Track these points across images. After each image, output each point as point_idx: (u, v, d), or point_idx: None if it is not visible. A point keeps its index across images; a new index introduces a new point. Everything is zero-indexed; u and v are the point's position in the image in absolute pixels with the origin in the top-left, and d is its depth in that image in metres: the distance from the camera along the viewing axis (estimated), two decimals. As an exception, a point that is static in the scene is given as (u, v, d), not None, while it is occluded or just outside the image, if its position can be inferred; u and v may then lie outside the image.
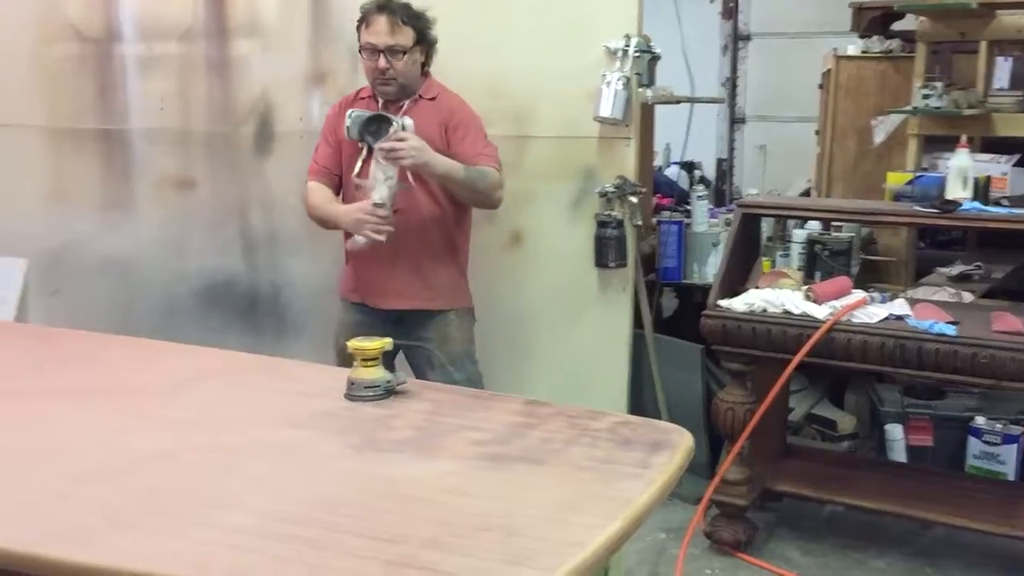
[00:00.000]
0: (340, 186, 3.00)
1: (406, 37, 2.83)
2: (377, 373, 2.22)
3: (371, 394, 2.19)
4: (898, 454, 3.54)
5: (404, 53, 2.82)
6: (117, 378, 2.34)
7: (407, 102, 2.90)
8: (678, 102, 3.89)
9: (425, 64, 2.96)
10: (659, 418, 3.49)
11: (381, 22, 2.80)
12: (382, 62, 2.81)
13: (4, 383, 2.28)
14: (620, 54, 3.15)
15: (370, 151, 2.76)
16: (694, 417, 3.44)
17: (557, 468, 1.80)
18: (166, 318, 3.82)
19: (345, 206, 2.89)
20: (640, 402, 3.47)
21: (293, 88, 3.54)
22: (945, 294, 3.40)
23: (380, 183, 2.72)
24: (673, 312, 4.08)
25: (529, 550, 1.47)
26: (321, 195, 2.97)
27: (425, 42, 2.90)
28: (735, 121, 6.69)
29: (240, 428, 2.02)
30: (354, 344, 2.22)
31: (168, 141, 3.75)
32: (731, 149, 6.69)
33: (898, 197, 3.41)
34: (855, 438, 3.82)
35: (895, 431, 3.54)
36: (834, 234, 3.65)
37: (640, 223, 3.26)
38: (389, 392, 2.21)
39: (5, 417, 2.05)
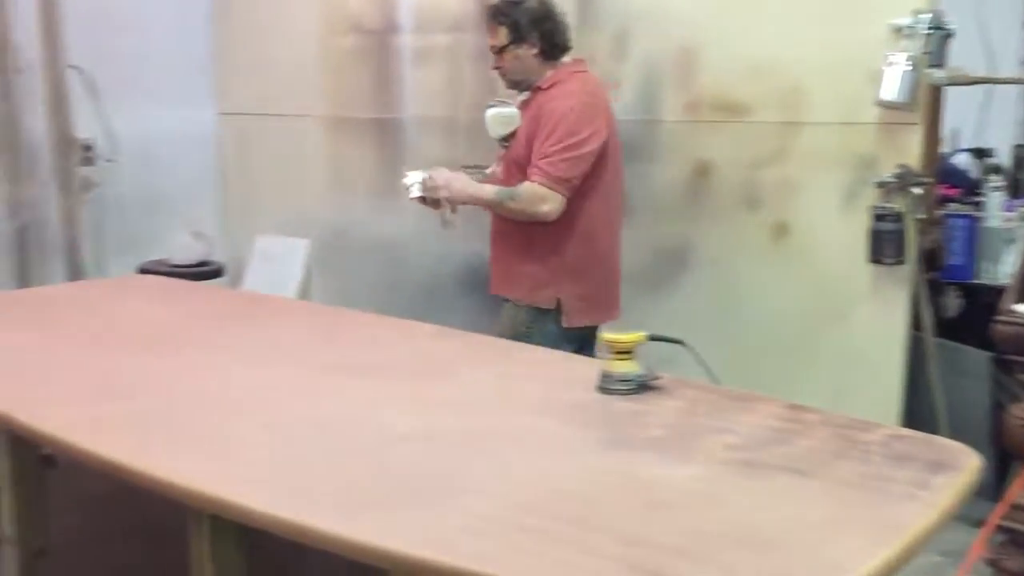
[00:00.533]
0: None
1: (499, 36, 2.89)
2: (631, 367, 2.16)
3: (624, 387, 2.13)
4: None
5: (502, 50, 2.90)
6: (387, 356, 2.44)
7: (527, 94, 2.97)
8: (974, 83, 3.51)
9: (547, 52, 2.90)
10: (935, 432, 3.19)
11: (486, 24, 2.97)
12: (494, 62, 2.96)
13: (288, 356, 2.43)
14: (908, 32, 2.88)
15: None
16: (978, 431, 3.11)
17: (820, 482, 1.66)
18: (426, 300, 3.96)
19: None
20: (915, 413, 3.18)
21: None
22: None
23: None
24: (957, 314, 3.71)
25: (786, 571, 1.35)
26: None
27: (525, 33, 2.86)
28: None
29: (492, 412, 2.02)
30: (608, 336, 2.17)
31: (437, 129, 3.88)
32: (1031, 135, 6.01)
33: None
34: None
35: None
36: None
37: (923, 216, 2.97)
38: (642, 387, 2.14)
39: (283, 390, 2.19)
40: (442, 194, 2.86)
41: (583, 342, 2.90)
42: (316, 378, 2.25)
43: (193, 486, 1.67)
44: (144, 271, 3.83)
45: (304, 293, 4.30)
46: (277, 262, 4.38)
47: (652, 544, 1.44)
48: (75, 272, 3.58)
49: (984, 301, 3.40)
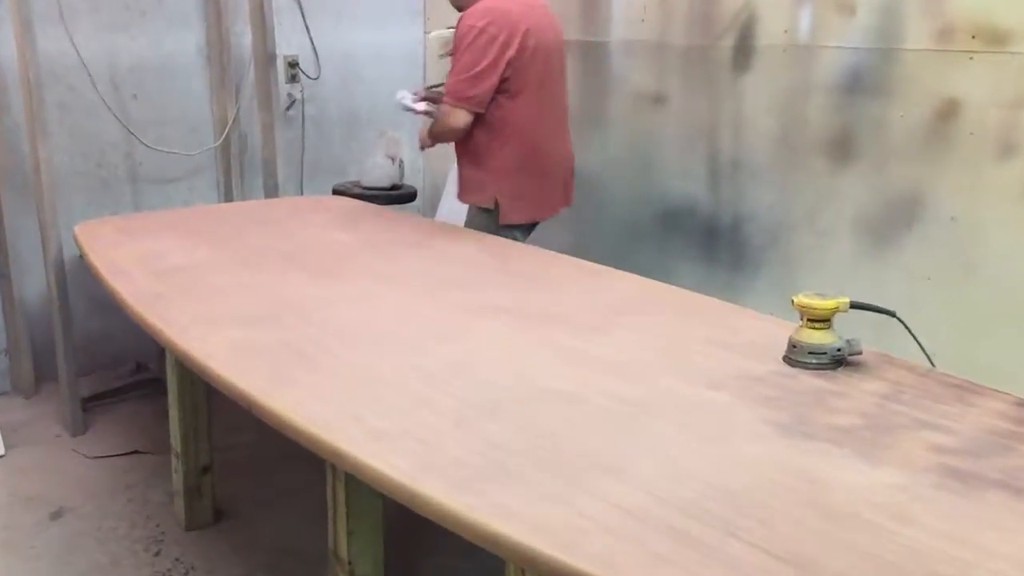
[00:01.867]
0: None
1: None
2: (826, 338, 1.85)
3: (815, 362, 1.84)
4: None
5: None
6: (550, 300, 2.24)
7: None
8: None
9: None
10: None
11: None
12: None
13: (451, 291, 2.29)
14: None
15: None
16: None
17: (1051, 510, 1.32)
18: (623, 238, 3.72)
19: None
20: None
21: (782, -4, 3.14)
22: None
23: None
24: None
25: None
26: None
27: None
28: None
29: (653, 378, 1.78)
30: (802, 300, 1.87)
31: (646, 55, 3.57)
32: None
33: None
34: None
35: None
36: None
37: None
38: (838, 362, 1.84)
39: (434, 328, 2.04)
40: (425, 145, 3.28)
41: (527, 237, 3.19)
42: (471, 318, 2.09)
43: (323, 437, 1.55)
44: (337, 192, 3.81)
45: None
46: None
47: (818, 568, 1.17)
48: (272, 190, 3.60)
49: None
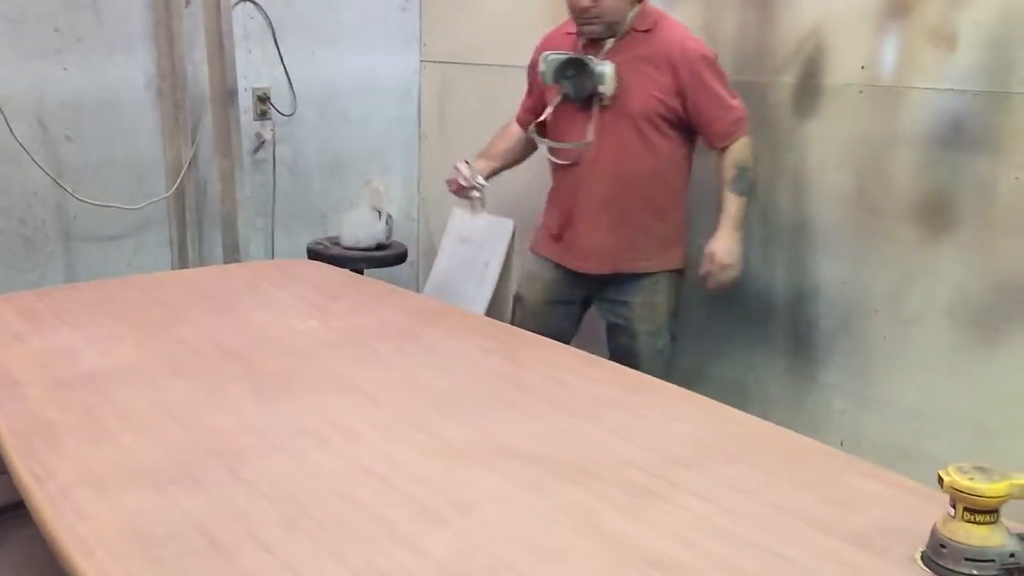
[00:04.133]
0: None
1: None
2: (994, 538, 1.23)
3: (975, 572, 1.22)
4: None
5: None
6: (585, 436, 1.62)
7: (611, 41, 2.51)
8: None
9: None
10: None
11: None
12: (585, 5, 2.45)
13: (445, 417, 1.67)
14: None
15: (566, 97, 2.54)
16: None
17: None
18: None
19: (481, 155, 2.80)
20: None
21: (857, 24, 2.53)
22: None
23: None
24: None
25: None
26: (499, 134, 2.86)
27: None
28: None
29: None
30: (959, 481, 1.24)
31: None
32: None
33: None
34: None
35: None
36: None
37: None
38: (1008, 573, 1.22)
39: (424, 490, 1.41)
40: (732, 274, 2.55)
41: None
42: (471, 473, 1.48)
43: None
44: (312, 254, 3.20)
45: (500, 288, 3.57)
46: (475, 245, 3.65)
47: None
48: (231, 250, 2.99)
49: None
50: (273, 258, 3.41)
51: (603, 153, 2.53)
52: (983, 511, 1.24)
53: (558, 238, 2.68)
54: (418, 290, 3.82)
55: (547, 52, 2.55)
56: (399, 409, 1.73)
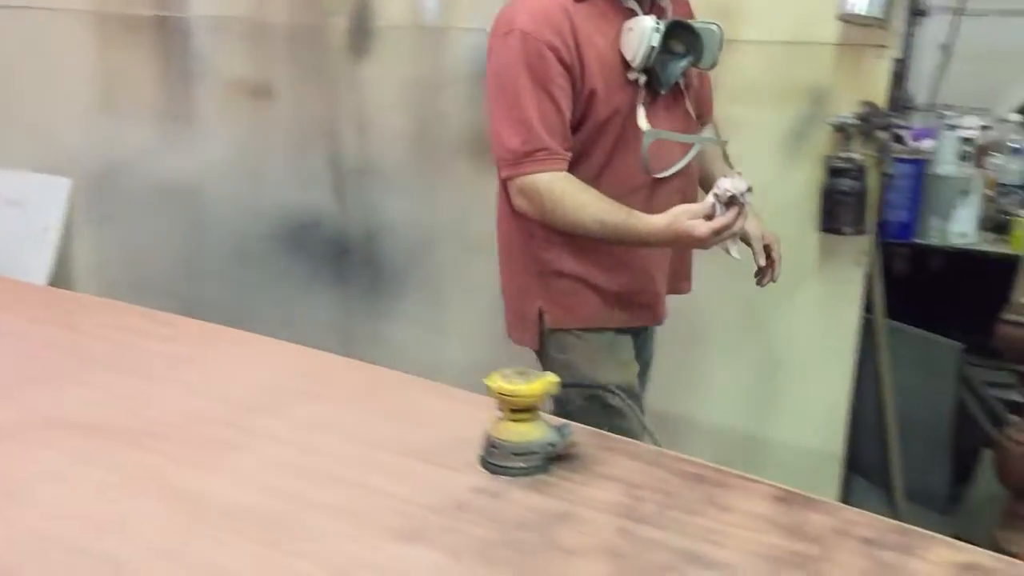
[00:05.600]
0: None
1: None
2: (533, 431, 1.38)
3: (523, 465, 1.36)
4: None
5: None
6: (152, 395, 1.55)
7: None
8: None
9: None
10: (883, 435, 2.60)
11: None
12: None
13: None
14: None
15: (650, 88, 1.81)
16: (935, 436, 2.54)
17: None
18: (237, 263, 3.02)
19: (664, 218, 1.70)
20: (856, 411, 2.55)
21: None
22: None
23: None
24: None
25: None
26: (584, 193, 1.79)
27: None
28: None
29: (311, 536, 1.19)
30: (501, 385, 1.37)
31: (238, 35, 2.88)
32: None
33: None
34: None
35: None
36: None
37: (890, 172, 2.30)
38: (550, 460, 1.37)
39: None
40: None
41: None
42: (18, 448, 1.35)
43: None
44: None
45: (65, 249, 3.27)
46: (27, 208, 3.31)
47: None
48: None
49: (931, 267, 2.82)
50: None
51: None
52: (523, 410, 1.37)
53: (635, 295, 1.95)
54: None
55: (631, 22, 1.77)
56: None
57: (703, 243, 1.65)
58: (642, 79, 1.78)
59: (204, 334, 1.91)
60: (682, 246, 1.82)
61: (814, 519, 1.24)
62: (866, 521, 1.27)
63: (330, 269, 2.90)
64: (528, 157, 1.79)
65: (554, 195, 1.78)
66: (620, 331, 1.95)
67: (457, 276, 2.72)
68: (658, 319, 2.00)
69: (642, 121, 1.78)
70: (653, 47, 1.73)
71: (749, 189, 1.59)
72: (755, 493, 1.31)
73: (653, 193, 1.85)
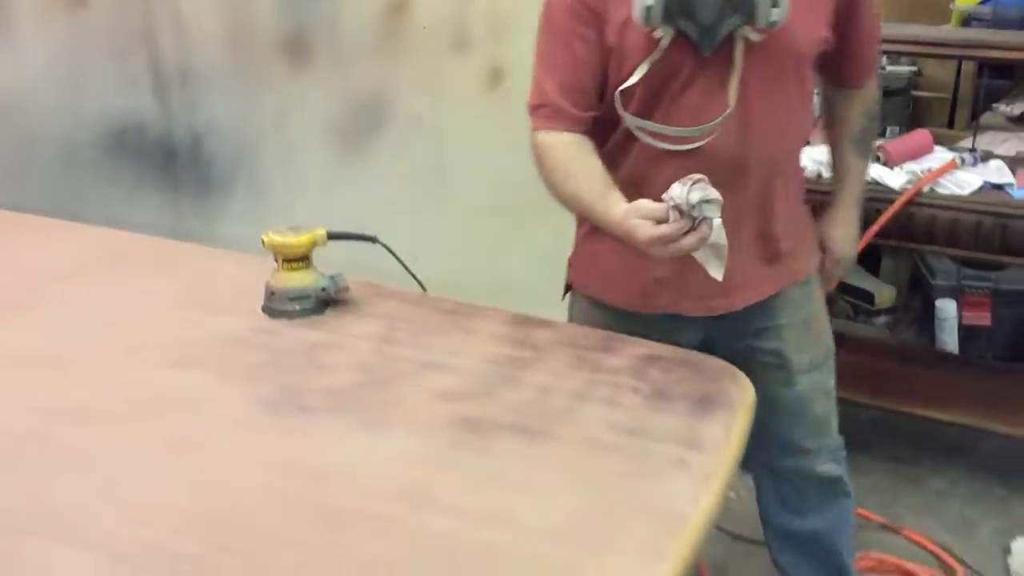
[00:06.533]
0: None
1: None
2: (307, 278, 1.60)
3: (298, 308, 1.59)
4: (948, 334, 2.99)
5: None
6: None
7: None
8: None
9: None
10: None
11: None
12: None
13: None
14: None
15: (678, 47, 1.52)
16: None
17: (566, 446, 1.22)
18: (64, 171, 3.10)
19: (621, 210, 1.46)
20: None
21: None
22: (1019, 142, 2.77)
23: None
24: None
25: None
26: (576, 164, 1.61)
27: None
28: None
29: (108, 366, 1.40)
30: (274, 239, 1.60)
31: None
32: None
33: (968, 21, 2.73)
34: (893, 312, 3.26)
35: (948, 308, 2.97)
36: (889, 68, 2.95)
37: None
38: (324, 304, 1.60)
39: None
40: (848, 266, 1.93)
41: None
42: None
43: None
44: None
45: None
46: None
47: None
48: None
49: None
50: None
51: (751, 122, 1.59)
52: (296, 259, 1.59)
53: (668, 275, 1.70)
54: None
55: None
56: None
57: (646, 249, 1.40)
58: (666, 39, 1.50)
59: (4, 220, 2.04)
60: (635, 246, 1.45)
61: (539, 333, 1.51)
62: (583, 334, 1.55)
63: (157, 172, 3.01)
64: (535, 112, 1.64)
65: (548, 159, 1.62)
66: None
67: (280, 175, 2.89)
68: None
69: (635, 77, 1.53)
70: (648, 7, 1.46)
71: (708, 201, 1.31)
72: (495, 319, 1.57)
73: (685, 165, 1.50)
